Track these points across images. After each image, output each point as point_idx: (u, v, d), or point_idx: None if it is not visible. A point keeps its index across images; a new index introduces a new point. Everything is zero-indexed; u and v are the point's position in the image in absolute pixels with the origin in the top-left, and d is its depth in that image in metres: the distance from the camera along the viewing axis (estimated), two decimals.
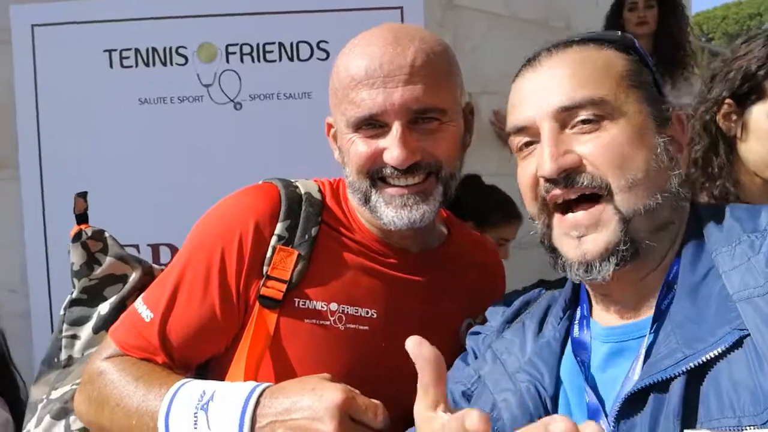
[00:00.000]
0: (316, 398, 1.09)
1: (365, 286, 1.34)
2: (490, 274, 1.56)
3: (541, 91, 1.06)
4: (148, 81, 2.45)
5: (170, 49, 2.43)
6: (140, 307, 1.31)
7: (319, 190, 1.39)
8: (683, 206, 1.07)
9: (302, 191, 1.36)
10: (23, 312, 2.63)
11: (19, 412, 1.82)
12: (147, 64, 2.44)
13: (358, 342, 1.30)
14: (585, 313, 1.12)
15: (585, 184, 1.00)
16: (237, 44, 2.43)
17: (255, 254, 1.29)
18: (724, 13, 33.59)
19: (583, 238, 1.01)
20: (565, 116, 1.03)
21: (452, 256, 1.47)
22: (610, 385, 1.01)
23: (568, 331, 1.13)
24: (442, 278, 1.43)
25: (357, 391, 1.11)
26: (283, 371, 1.27)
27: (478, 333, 1.27)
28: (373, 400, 1.10)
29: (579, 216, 1.02)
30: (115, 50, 2.43)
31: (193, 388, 1.17)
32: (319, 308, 1.29)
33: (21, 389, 2.01)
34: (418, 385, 0.78)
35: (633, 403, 0.92)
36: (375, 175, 1.27)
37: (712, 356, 0.88)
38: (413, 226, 1.28)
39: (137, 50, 2.43)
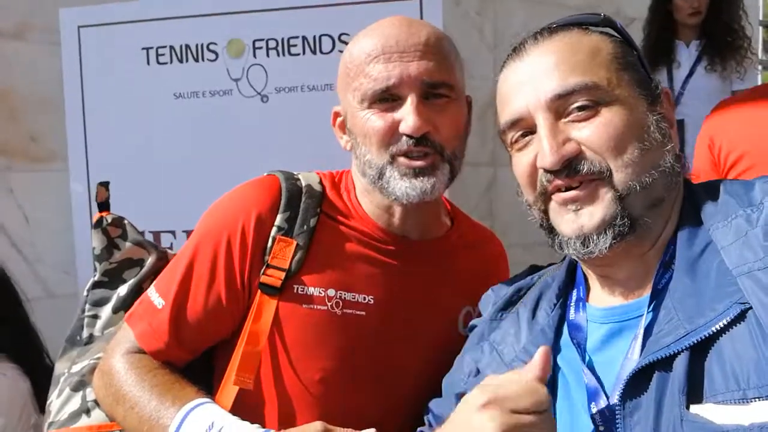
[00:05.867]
0: None
1: (363, 273, 1.39)
2: (492, 264, 1.58)
3: (531, 80, 1.06)
4: (181, 76, 2.58)
5: (201, 45, 2.55)
6: (153, 294, 1.40)
7: (320, 182, 1.46)
8: (676, 182, 1.07)
9: (303, 184, 1.43)
10: (76, 292, 2.75)
11: (41, 379, 1.95)
12: (181, 61, 2.57)
13: (355, 327, 1.35)
14: (581, 295, 1.12)
15: (586, 171, 1.01)
16: (263, 39, 2.52)
17: (257, 243, 1.36)
18: None
19: (579, 211, 1.03)
20: (559, 104, 1.03)
21: (453, 246, 1.50)
22: (607, 366, 1.02)
23: (562, 317, 1.14)
24: (441, 267, 1.46)
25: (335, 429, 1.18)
26: (282, 355, 1.34)
27: (474, 327, 1.30)
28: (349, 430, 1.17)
29: (575, 191, 1.03)
30: (151, 48, 2.57)
31: (202, 416, 1.24)
32: (317, 294, 1.34)
33: (45, 357, 2.16)
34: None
35: (637, 381, 0.93)
36: (394, 150, 1.32)
37: (715, 330, 0.88)
38: (424, 198, 1.33)
39: (172, 47, 2.57)
